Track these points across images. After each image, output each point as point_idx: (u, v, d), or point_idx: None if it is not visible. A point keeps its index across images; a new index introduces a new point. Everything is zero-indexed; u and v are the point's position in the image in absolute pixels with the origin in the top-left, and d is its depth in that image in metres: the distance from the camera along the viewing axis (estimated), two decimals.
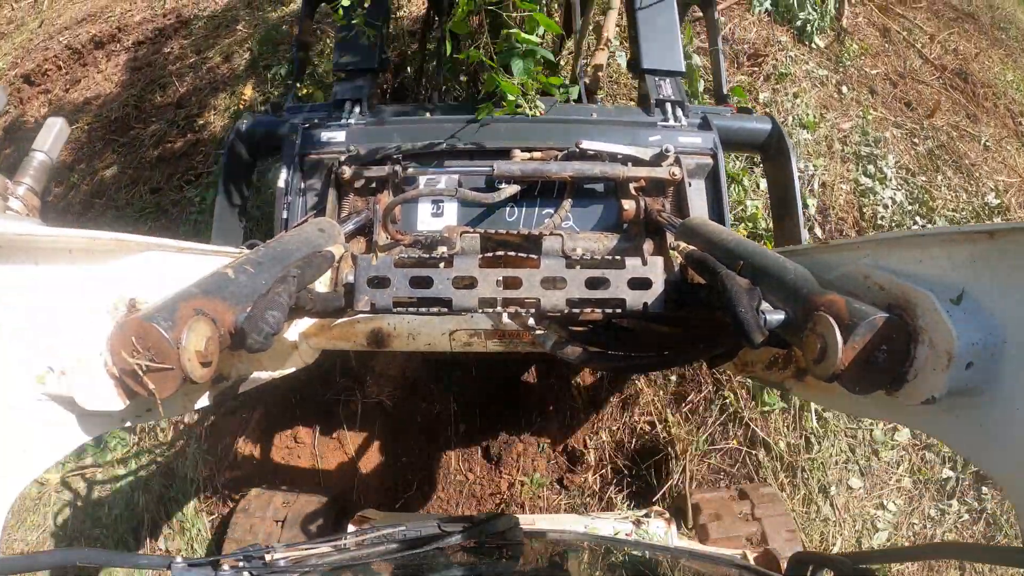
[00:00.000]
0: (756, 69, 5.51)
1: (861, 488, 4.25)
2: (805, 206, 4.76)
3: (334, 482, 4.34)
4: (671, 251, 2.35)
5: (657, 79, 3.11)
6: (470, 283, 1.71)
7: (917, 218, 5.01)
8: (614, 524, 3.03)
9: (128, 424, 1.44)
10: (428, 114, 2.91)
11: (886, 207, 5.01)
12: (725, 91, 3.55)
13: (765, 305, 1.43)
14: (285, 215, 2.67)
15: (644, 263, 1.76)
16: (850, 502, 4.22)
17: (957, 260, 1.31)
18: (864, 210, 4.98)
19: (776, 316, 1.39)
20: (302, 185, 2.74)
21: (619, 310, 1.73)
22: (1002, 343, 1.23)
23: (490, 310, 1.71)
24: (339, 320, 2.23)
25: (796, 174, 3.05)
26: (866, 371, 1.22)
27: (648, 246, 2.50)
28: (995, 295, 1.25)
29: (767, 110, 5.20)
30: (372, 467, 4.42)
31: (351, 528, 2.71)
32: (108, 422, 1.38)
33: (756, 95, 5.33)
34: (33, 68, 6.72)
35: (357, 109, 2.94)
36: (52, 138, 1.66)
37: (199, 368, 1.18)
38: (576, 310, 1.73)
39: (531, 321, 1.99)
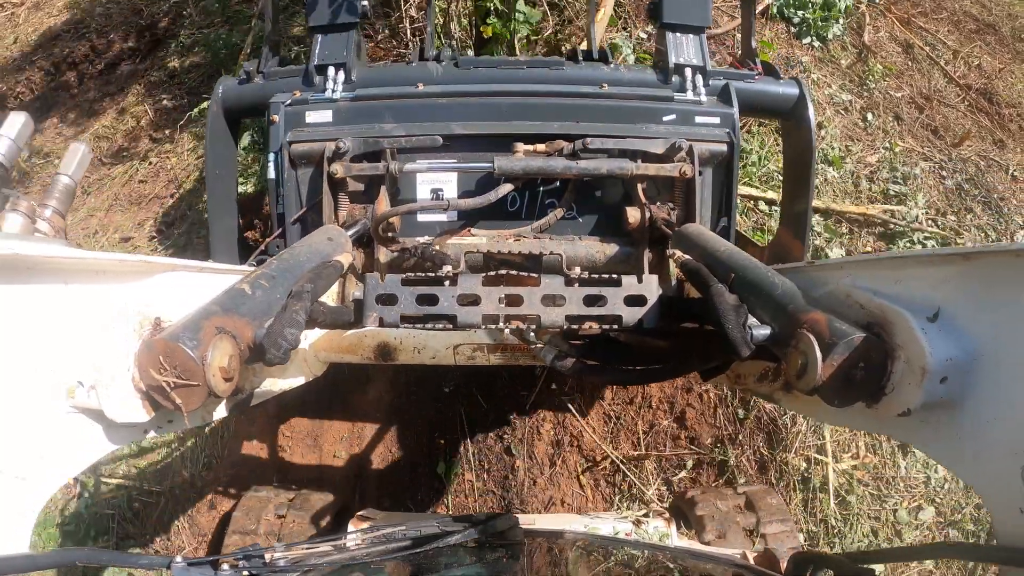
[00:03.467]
0: None
1: (883, 573, 4.09)
2: None
3: (339, 480, 4.36)
4: (669, 258, 2.39)
5: (678, 36, 2.87)
6: (474, 300, 1.80)
7: None
8: (614, 524, 3.03)
9: (150, 435, 1.51)
10: (420, 84, 2.77)
11: None
12: (753, 44, 3.21)
13: (753, 320, 1.51)
14: (280, 209, 2.66)
15: (640, 280, 1.84)
16: None
17: (934, 280, 1.40)
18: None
19: (762, 331, 1.48)
20: (295, 175, 2.66)
21: (615, 326, 1.82)
22: (976, 359, 1.31)
23: (493, 326, 1.80)
24: (347, 333, 2.31)
25: (815, 140, 2.93)
26: (844, 386, 1.30)
27: (649, 255, 2.55)
28: (970, 313, 1.33)
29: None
30: (380, 466, 4.46)
31: (351, 528, 2.72)
32: (132, 433, 1.46)
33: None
34: (6, 90, 6.67)
35: (341, 76, 2.78)
36: (76, 163, 1.75)
37: (223, 383, 1.27)
38: (575, 326, 1.82)
39: (531, 336, 2.07)
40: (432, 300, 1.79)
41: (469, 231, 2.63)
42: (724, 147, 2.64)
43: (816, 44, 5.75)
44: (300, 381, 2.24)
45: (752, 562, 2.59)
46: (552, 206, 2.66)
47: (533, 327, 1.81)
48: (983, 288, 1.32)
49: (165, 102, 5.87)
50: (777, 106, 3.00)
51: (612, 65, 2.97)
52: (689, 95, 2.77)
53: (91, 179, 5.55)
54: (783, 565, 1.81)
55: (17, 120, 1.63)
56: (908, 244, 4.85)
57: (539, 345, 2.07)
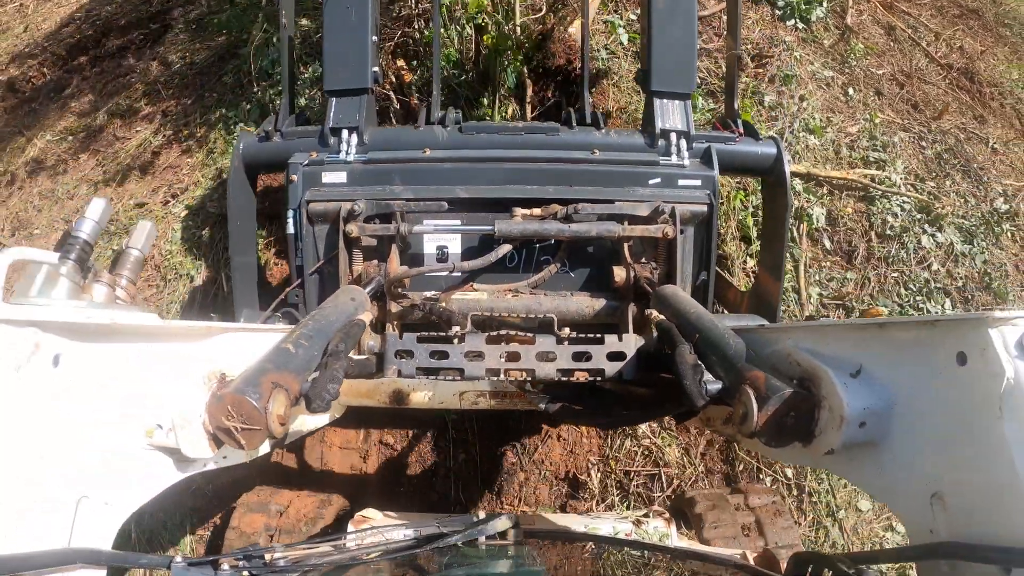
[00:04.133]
0: (761, 71, 5.41)
1: (870, 510, 4.18)
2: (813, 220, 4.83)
3: (340, 479, 4.35)
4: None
5: (665, 102, 3.06)
6: (479, 355, 2.13)
7: (926, 226, 4.92)
8: (614, 524, 3.05)
9: (208, 466, 1.81)
10: (427, 149, 2.97)
11: (895, 215, 4.91)
12: (736, 105, 3.42)
13: (708, 376, 1.83)
14: (299, 262, 2.88)
15: (620, 339, 2.17)
16: (859, 525, 4.15)
17: (858, 343, 1.74)
18: (873, 219, 4.90)
19: (715, 386, 1.80)
20: (312, 231, 2.86)
21: (599, 378, 2.14)
22: (892, 407, 1.64)
23: (495, 378, 2.12)
24: (367, 381, 2.62)
25: (790, 197, 3.10)
26: (777, 432, 1.61)
27: (633, 310, 2.78)
28: (885, 370, 1.66)
29: (773, 113, 5.19)
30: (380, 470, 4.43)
31: (351, 528, 2.75)
32: (196, 465, 1.77)
33: (762, 98, 5.23)
34: (18, 75, 6.66)
35: (354, 139, 2.97)
36: (144, 238, 2.09)
37: (279, 427, 1.57)
38: (565, 378, 2.14)
39: (528, 386, 2.39)
40: (443, 355, 2.12)
41: (472, 286, 2.90)
42: (704, 208, 2.86)
43: (800, 26, 5.81)
44: (325, 421, 2.54)
45: (752, 562, 2.62)
46: (547, 262, 2.89)
47: (529, 379, 2.13)
48: (896, 350, 1.65)
49: (177, 80, 5.96)
50: (757, 165, 3.19)
51: (603, 130, 3.16)
52: (673, 159, 2.97)
53: (106, 153, 5.64)
54: (783, 565, 1.95)
55: (99, 205, 1.97)
56: (887, 207, 4.92)
57: (534, 393, 2.38)
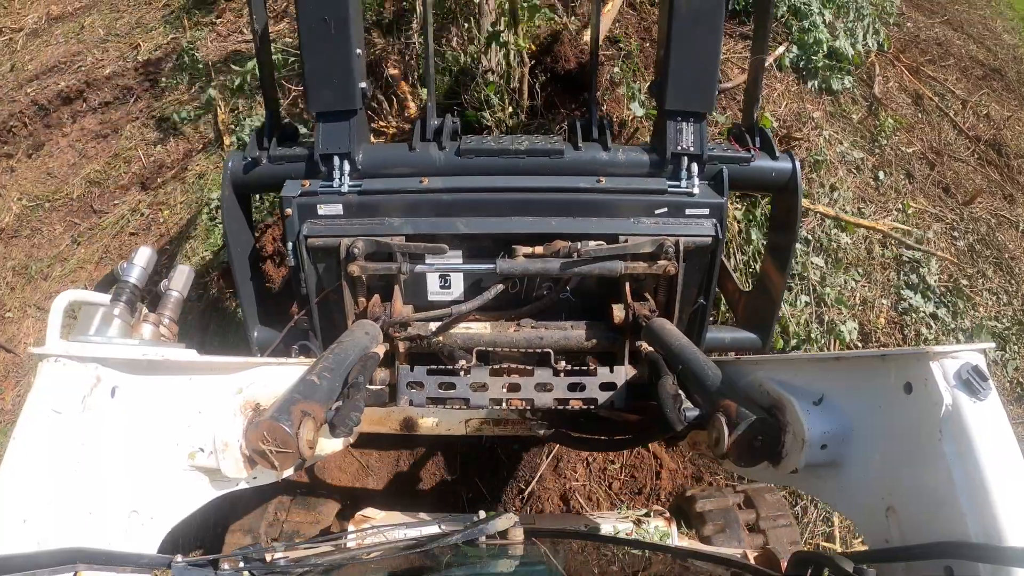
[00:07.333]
0: None
1: None
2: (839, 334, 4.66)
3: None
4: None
5: (679, 122, 2.82)
6: (483, 386, 2.35)
7: (959, 334, 4.78)
8: (614, 523, 3.07)
9: (240, 485, 2.01)
10: (424, 179, 2.82)
11: (929, 326, 4.76)
12: (755, 116, 3.10)
13: (687, 404, 2.04)
14: (304, 291, 2.88)
15: (611, 371, 2.39)
16: None
17: (820, 375, 1.96)
18: (906, 330, 4.79)
19: (692, 413, 2.01)
20: (314, 265, 2.81)
21: (593, 407, 2.36)
22: (850, 430, 1.86)
23: (498, 407, 2.35)
24: (380, 409, 2.84)
25: (800, 212, 2.96)
26: (746, 454, 1.81)
27: (630, 344, 2.82)
28: (844, 398, 1.88)
29: (802, 208, 4.64)
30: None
31: (351, 528, 2.75)
32: (231, 484, 1.97)
33: None
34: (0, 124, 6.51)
35: (347, 166, 2.79)
36: (183, 281, 2.32)
37: (308, 451, 1.79)
38: (561, 406, 2.36)
39: (528, 413, 2.61)
40: (451, 386, 2.36)
41: (474, 315, 2.91)
42: (709, 240, 2.74)
43: (827, 98, 5.60)
44: (340, 445, 2.73)
45: (752, 562, 2.58)
46: (550, 290, 2.89)
47: (529, 407, 2.36)
48: (853, 381, 1.87)
49: (158, 147, 5.75)
50: (772, 183, 3.01)
51: (611, 149, 2.92)
52: (683, 184, 2.81)
53: (81, 228, 5.51)
54: (783, 565, 1.98)
55: (145, 252, 2.20)
56: (921, 318, 4.79)
57: (534, 420, 2.60)
